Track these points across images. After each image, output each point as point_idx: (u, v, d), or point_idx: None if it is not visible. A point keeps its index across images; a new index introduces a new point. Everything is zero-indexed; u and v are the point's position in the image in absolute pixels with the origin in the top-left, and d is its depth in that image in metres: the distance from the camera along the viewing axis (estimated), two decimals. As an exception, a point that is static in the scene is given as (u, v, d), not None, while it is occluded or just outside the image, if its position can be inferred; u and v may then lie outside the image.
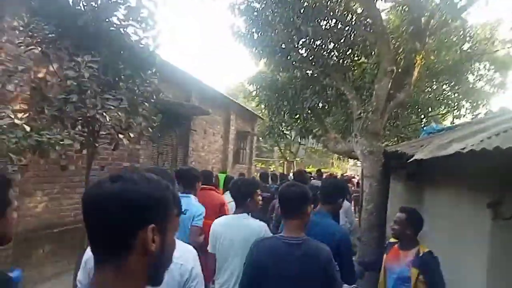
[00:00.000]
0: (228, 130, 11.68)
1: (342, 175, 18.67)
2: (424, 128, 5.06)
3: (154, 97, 4.58)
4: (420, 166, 4.12)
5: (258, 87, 7.59)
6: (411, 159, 2.26)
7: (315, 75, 6.97)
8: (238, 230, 2.43)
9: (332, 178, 8.96)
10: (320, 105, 6.92)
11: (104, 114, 3.69)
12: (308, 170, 27.35)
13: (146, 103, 4.44)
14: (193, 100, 8.71)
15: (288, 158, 21.82)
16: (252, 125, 14.58)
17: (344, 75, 6.70)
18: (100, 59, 4.11)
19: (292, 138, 18.99)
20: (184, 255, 1.47)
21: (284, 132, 9.89)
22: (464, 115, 10.77)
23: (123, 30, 4.12)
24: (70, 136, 3.36)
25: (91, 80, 3.69)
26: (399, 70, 5.70)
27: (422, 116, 11.87)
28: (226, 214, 3.28)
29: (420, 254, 2.55)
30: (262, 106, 8.12)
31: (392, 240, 2.94)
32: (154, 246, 0.75)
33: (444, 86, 10.60)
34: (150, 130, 4.64)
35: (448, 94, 10.42)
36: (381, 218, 5.33)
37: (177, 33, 61.89)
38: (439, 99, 10.83)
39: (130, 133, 4.19)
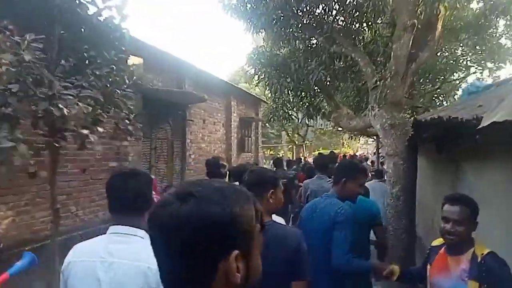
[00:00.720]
0: (230, 118, 10.92)
1: (352, 155, 17.77)
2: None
3: (128, 81, 3.84)
4: (451, 136, 3.32)
5: (257, 63, 6.76)
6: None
7: (320, 44, 6.12)
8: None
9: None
10: (328, 78, 6.07)
11: (60, 106, 2.97)
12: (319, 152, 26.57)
13: (118, 90, 3.70)
14: (186, 87, 7.94)
15: (297, 142, 20.97)
16: (256, 110, 13.76)
17: (354, 40, 5.83)
18: (53, 39, 3.38)
19: (299, 121, 18.12)
20: None
21: (290, 114, 9.08)
22: (484, 78, 9.81)
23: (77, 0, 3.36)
24: (13, 137, 2.64)
25: (40, 65, 2.97)
26: (419, 27, 4.81)
27: (439, 83, 10.93)
28: None
29: (479, 259, 1.77)
30: (263, 85, 7.28)
31: (435, 243, 2.15)
32: (239, 277, 0.63)
33: (463, 47, 9.61)
34: (128, 122, 3.92)
35: (468, 55, 9.43)
36: (410, 202, 4.56)
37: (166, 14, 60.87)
38: (458, 62, 9.86)
39: (99, 128, 3.47)
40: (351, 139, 16.63)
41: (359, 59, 5.35)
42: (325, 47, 5.98)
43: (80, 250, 1.41)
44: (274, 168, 6.19)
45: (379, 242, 3.05)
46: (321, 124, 20.37)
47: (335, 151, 30.78)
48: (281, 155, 32.44)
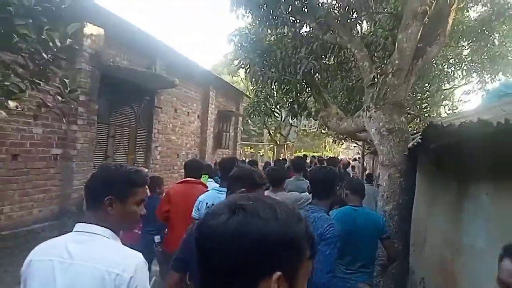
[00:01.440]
0: (207, 109, 10.05)
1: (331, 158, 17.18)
2: (490, 88, 3.52)
3: (61, 44, 2.94)
4: (455, 150, 2.64)
5: (238, 45, 5.93)
6: None
7: (312, 30, 5.37)
8: None
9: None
10: (318, 71, 5.32)
11: None
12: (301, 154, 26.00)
13: (45, 54, 2.80)
14: (157, 70, 7.03)
15: (278, 142, 20.26)
16: (237, 104, 12.92)
17: (351, 30, 5.10)
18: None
19: (283, 119, 17.42)
20: (124, 261, 1.24)
21: (273, 110, 8.32)
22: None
23: None
24: None
25: None
26: (427, 19, 4.11)
27: (434, 92, 10.44)
28: None
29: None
30: (246, 76, 6.44)
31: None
32: None
33: (461, 54, 9.12)
34: (61, 98, 3.03)
35: (466, 62, 8.94)
36: (405, 224, 3.89)
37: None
38: (456, 69, 9.36)
39: (10, 102, 2.58)
40: (335, 143, 16.03)
41: (356, 51, 4.63)
42: (317, 35, 5.23)
43: (40, 249, 1.31)
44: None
45: (390, 255, 2.99)
46: (305, 125, 19.77)
47: (316, 154, 30.36)
48: (261, 154, 31.85)
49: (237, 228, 0.60)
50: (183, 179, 3.55)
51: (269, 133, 17.88)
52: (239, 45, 5.83)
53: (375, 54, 5.33)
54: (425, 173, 4.59)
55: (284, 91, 6.08)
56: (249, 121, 26.81)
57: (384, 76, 4.06)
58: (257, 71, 5.45)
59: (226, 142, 12.14)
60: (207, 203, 2.81)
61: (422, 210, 4.50)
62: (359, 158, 24.66)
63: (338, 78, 6.09)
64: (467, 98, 17.40)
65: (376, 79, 4.37)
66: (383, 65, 4.66)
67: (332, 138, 15.39)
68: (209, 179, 4.35)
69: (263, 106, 7.87)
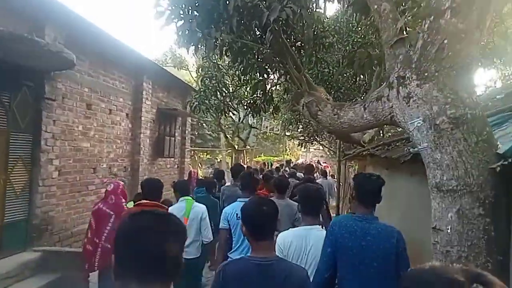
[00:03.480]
0: (140, 106, 7.71)
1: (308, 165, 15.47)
2: None
3: None
4: None
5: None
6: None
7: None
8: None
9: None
10: (299, 23, 3.32)
11: None
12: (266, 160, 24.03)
13: None
14: (47, 39, 4.64)
15: (237, 147, 18.14)
16: (184, 101, 10.61)
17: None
18: None
19: (241, 120, 15.33)
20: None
21: (226, 103, 6.25)
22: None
23: None
24: None
25: None
26: None
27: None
28: None
29: None
30: (177, 36, 4.20)
31: None
32: None
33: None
34: None
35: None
36: None
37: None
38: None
39: None
40: (301, 146, 14.26)
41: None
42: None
43: None
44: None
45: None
46: (267, 127, 17.91)
47: (275, 158, 28.65)
48: (219, 160, 29.57)
49: None
50: (139, 201, 3.30)
51: (225, 136, 15.70)
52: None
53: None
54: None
55: (241, 68, 3.98)
56: (204, 124, 24.44)
57: (436, 18, 2.14)
58: (195, 32, 3.32)
59: (170, 148, 9.82)
60: (236, 214, 3.19)
61: None
62: (324, 162, 23.28)
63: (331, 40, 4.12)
64: None
65: (406, 31, 2.49)
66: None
67: (299, 140, 13.58)
68: (185, 197, 3.87)
69: (213, 98, 5.75)
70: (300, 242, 2.40)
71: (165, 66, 13.14)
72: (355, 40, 5.78)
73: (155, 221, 0.99)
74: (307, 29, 3.71)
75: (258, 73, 4.15)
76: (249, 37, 3.51)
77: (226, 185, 5.21)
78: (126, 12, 64.63)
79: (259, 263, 1.75)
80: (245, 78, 4.98)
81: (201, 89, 5.85)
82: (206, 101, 5.57)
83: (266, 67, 3.85)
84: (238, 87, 5.79)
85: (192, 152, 29.19)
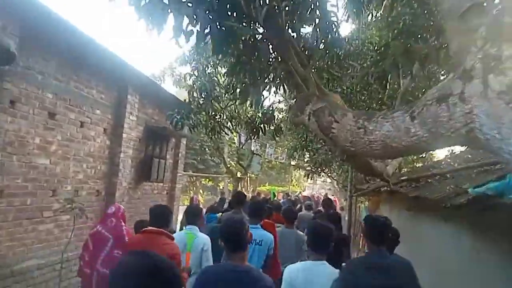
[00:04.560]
0: (122, 122, 6.75)
1: (327, 199, 14.30)
2: None
3: None
4: None
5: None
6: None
7: None
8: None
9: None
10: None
11: None
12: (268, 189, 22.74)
13: None
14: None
15: (239, 174, 16.96)
16: (179, 121, 9.66)
17: None
18: None
19: (241, 145, 14.25)
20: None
21: (218, 121, 5.24)
22: None
23: None
24: None
25: None
26: None
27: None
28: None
29: None
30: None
31: None
32: None
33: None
34: None
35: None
36: None
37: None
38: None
39: None
40: (308, 177, 13.06)
41: None
42: None
43: None
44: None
45: None
46: (271, 154, 16.75)
47: (281, 188, 27.31)
48: (221, 187, 28.36)
49: None
50: (145, 228, 3.21)
51: (225, 162, 14.56)
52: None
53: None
54: None
55: (226, 66, 2.95)
56: (207, 149, 23.44)
57: None
58: (160, 1, 2.33)
59: (160, 172, 8.75)
60: (255, 240, 3.39)
61: None
62: (332, 195, 21.94)
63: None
64: None
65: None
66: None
67: (305, 171, 12.41)
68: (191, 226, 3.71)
69: (202, 114, 4.76)
70: (309, 276, 2.47)
71: (162, 84, 12.32)
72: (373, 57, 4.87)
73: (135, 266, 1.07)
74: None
75: (250, 77, 3.11)
76: (238, 19, 2.50)
77: (228, 212, 5.14)
78: (123, 28, 65.70)
79: (234, 269, 2.09)
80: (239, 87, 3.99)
81: (189, 101, 4.84)
82: (191, 115, 4.55)
83: (261, 65, 2.82)
84: (231, 102, 4.79)
85: (194, 178, 28.13)
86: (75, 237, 5.73)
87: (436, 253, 5.18)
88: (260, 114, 4.57)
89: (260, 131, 5.07)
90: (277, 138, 6.44)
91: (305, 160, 12.02)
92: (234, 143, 16.10)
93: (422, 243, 5.60)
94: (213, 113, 4.70)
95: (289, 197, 13.64)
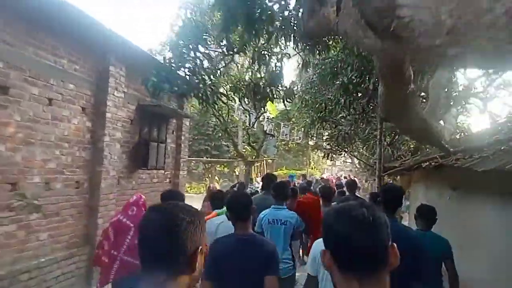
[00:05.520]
0: (105, 99, 5.72)
1: (352, 181, 13.35)
2: None
3: None
4: None
5: None
6: None
7: None
8: None
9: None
10: None
11: None
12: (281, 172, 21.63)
13: None
14: None
15: (252, 157, 15.87)
16: (181, 98, 8.56)
17: None
18: None
19: (252, 124, 13.08)
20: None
21: (212, 88, 4.14)
22: None
23: None
24: None
25: None
26: None
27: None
28: None
29: None
30: None
31: None
32: None
33: None
34: None
35: None
36: None
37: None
38: None
39: None
40: (326, 157, 11.88)
41: None
42: None
43: None
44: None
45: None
46: (286, 134, 15.36)
47: (299, 171, 26.18)
48: (237, 174, 27.47)
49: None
50: None
51: (234, 145, 13.43)
52: None
53: None
54: None
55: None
56: (220, 133, 22.32)
57: None
58: None
59: (159, 158, 7.76)
60: (268, 219, 3.70)
61: None
62: (354, 177, 20.73)
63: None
64: None
65: None
66: None
67: (324, 151, 11.20)
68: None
69: (183, 70, 3.66)
70: None
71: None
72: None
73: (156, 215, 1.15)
74: None
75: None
76: None
77: (258, 195, 5.25)
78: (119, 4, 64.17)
79: (240, 238, 2.43)
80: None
81: (169, 60, 3.73)
82: (170, 75, 3.45)
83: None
84: (226, 57, 3.65)
85: (209, 164, 27.30)
86: (52, 238, 4.82)
87: (499, 245, 4.01)
88: (263, 74, 3.41)
89: (267, 98, 3.94)
90: (292, 111, 5.31)
91: (324, 138, 10.82)
92: (248, 125, 15.00)
93: (477, 230, 4.43)
94: (202, 73, 3.58)
95: (306, 180, 12.95)
